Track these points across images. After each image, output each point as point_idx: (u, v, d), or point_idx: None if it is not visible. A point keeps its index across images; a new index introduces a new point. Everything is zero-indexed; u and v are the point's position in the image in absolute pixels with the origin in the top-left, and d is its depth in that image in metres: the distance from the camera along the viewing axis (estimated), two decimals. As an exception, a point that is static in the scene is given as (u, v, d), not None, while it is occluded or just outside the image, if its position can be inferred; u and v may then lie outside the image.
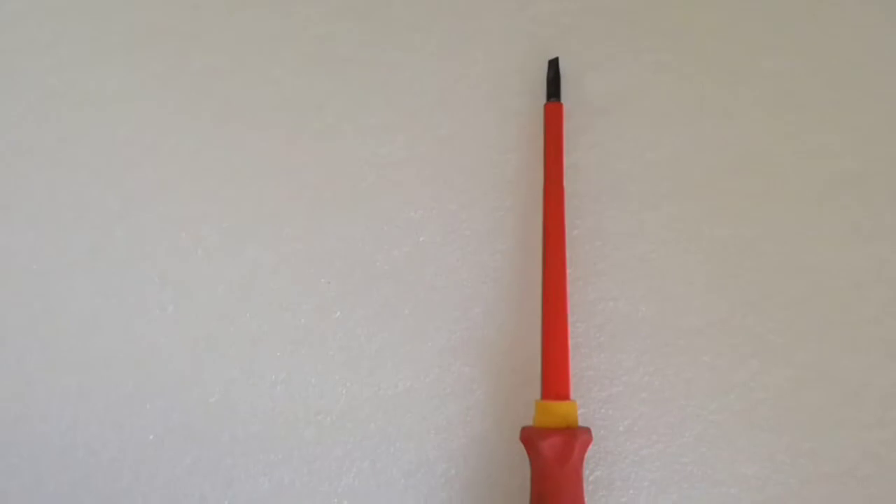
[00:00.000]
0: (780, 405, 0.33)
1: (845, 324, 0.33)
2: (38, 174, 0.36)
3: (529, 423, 0.32)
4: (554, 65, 0.35)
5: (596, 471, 0.33)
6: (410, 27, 0.36)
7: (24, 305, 0.35)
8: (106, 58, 0.36)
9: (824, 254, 0.34)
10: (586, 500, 0.31)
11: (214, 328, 0.34)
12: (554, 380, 0.31)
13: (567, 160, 0.34)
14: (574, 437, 0.30)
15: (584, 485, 0.31)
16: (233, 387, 0.34)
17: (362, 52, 0.36)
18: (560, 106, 0.34)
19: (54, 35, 0.37)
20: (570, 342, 0.32)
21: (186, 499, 0.33)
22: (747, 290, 0.34)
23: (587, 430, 0.31)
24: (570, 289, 0.32)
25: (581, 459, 0.31)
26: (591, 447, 0.31)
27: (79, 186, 0.35)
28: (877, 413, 0.33)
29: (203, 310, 0.34)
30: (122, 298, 0.35)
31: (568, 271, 0.32)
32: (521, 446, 0.31)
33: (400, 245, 0.34)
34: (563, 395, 0.31)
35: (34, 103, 0.36)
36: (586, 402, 0.33)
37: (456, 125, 0.35)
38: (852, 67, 0.35)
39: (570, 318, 0.32)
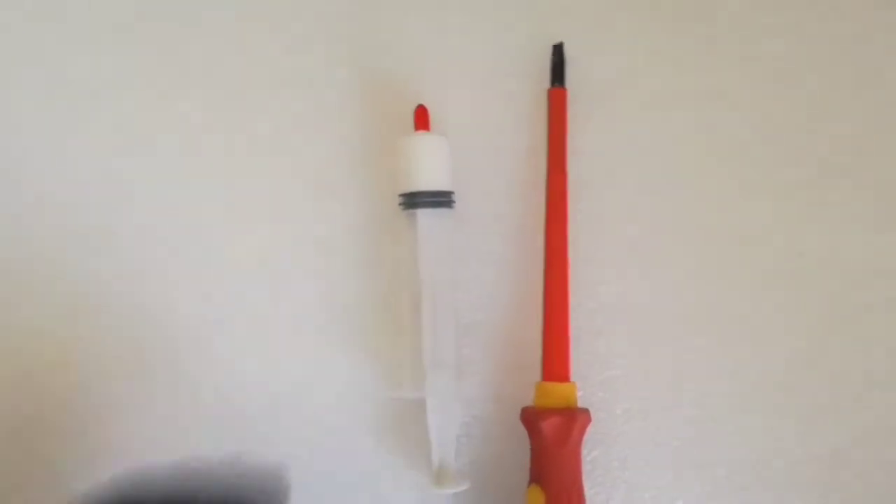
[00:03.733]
0: (771, 388, 0.34)
1: (835, 308, 0.34)
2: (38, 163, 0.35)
3: (530, 403, 0.32)
4: (558, 50, 0.35)
5: (594, 451, 0.33)
6: (412, 13, 0.36)
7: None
8: (102, 41, 0.36)
9: (818, 239, 0.35)
10: (584, 479, 0.31)
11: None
12: (554, 362, 0.32)
13: (569, 145, 0.34)
14: (573, 418, 0.31)
15: (583, 464, 0.32)
16: (241, 359, 0.34)
17: (361, 35, 0.36)
18: (564, 91, 0.34)
19: (50, 14, 0.36)
20: (570, 325, 0.32)
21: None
22: (741, 274, 0.34)
23: (586, 411, 0.32)
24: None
25: (580, 439, 0.31)
26: (589, 428, 0.32)
27: (81, 176, 0.35)
28: (864, 396, 0.34)
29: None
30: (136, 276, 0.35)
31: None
32: (522, 426, 0.32)
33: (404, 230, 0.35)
34: (564, 376, 0.32)
35: (36, 92, 0.36)
36: (585, 385, 0.34)
37: (459, 110, 0.35)
38: (851, 52, 0.36)
39: (570, 302, 0.32)
